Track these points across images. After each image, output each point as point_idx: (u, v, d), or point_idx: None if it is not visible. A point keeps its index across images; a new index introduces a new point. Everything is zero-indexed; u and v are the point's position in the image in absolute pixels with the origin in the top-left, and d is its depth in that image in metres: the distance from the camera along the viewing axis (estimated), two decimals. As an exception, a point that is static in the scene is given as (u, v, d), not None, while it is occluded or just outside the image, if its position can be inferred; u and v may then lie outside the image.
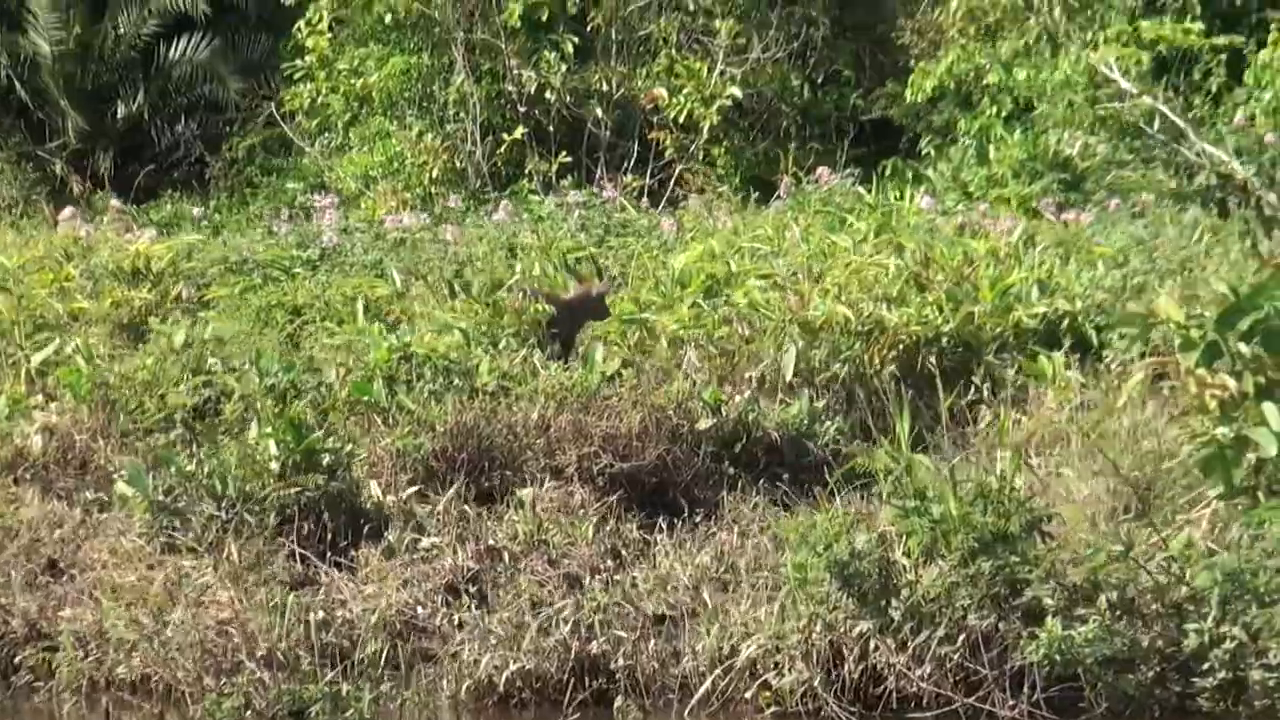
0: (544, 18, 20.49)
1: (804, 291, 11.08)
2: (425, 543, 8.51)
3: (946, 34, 21.78)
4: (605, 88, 20.35)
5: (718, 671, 8.59)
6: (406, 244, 15.33)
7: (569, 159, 20.20)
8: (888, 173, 18.98)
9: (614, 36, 20.57)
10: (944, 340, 10.94)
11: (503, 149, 20.19)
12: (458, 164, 19.98)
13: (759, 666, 8.59)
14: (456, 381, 9.46)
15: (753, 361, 10.59)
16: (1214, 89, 17.65)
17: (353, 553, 8.66)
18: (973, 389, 10.55)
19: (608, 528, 9.10)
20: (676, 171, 20.06)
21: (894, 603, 8.44)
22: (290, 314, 12.17)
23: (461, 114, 20.16)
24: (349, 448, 8.69)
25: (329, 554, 8.63)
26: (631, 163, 20.44)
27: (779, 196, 16.78)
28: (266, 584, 8.30)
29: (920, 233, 12.75)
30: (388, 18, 20.27)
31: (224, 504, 8.22)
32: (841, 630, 8.45)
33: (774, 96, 20.65)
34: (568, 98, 20.24)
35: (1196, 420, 8.29)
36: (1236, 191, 12.71)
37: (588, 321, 11.16)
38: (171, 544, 8.25)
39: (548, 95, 20.25)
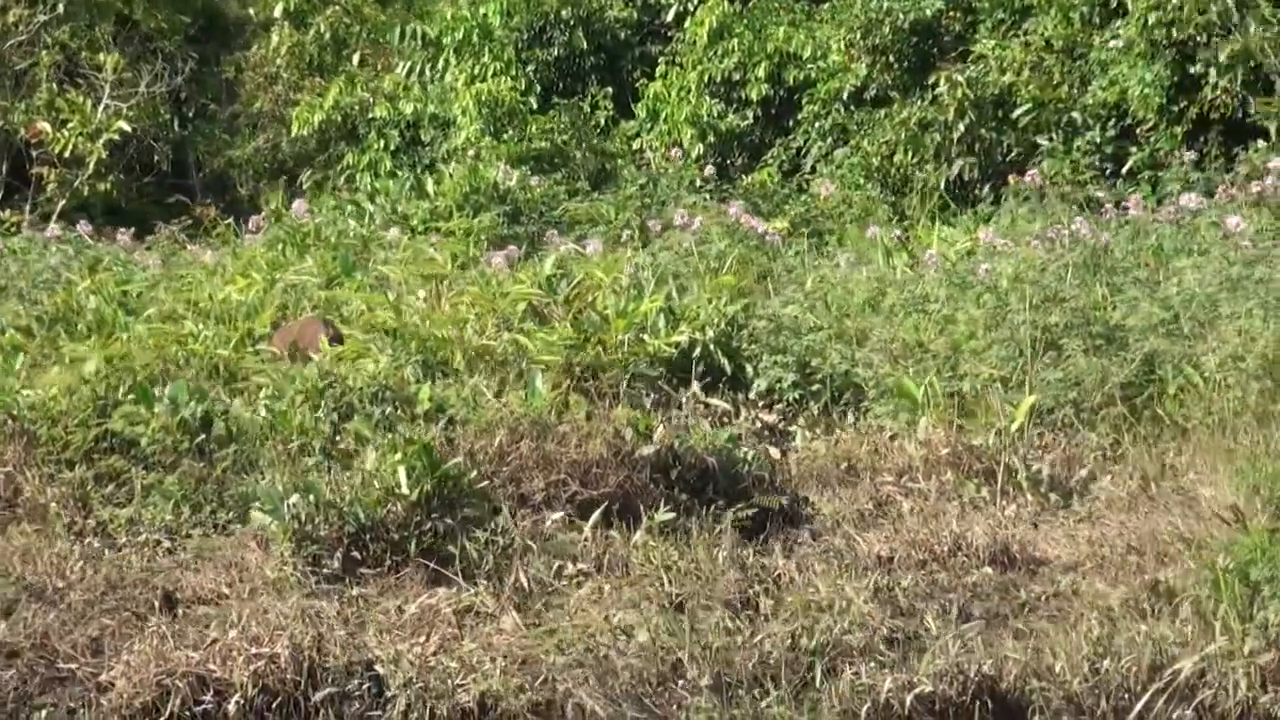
0: (-85, 50, 20.01)
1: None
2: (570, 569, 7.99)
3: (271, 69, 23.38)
4: (-17, 122, 20.04)
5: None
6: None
7: (-60, 194, 19.88)
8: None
9: (-11, 70, 20.31)
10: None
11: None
12: None
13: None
14: (396, 410, 9.39)
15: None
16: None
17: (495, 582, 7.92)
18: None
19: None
20: (59, 207, 20.16)
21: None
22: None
23: None
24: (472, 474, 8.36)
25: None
26: (16, 198, 20.33)
27: (252, 231, 17.15)
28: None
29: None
30: None
31: (360, 532, 7.99)
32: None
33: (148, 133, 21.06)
34: (-55, 132, 19.81)
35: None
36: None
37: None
38: (315, 573, 7.83)
39: (-76, 129, 19.76)
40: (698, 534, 8.12)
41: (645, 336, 11.74)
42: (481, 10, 21.01)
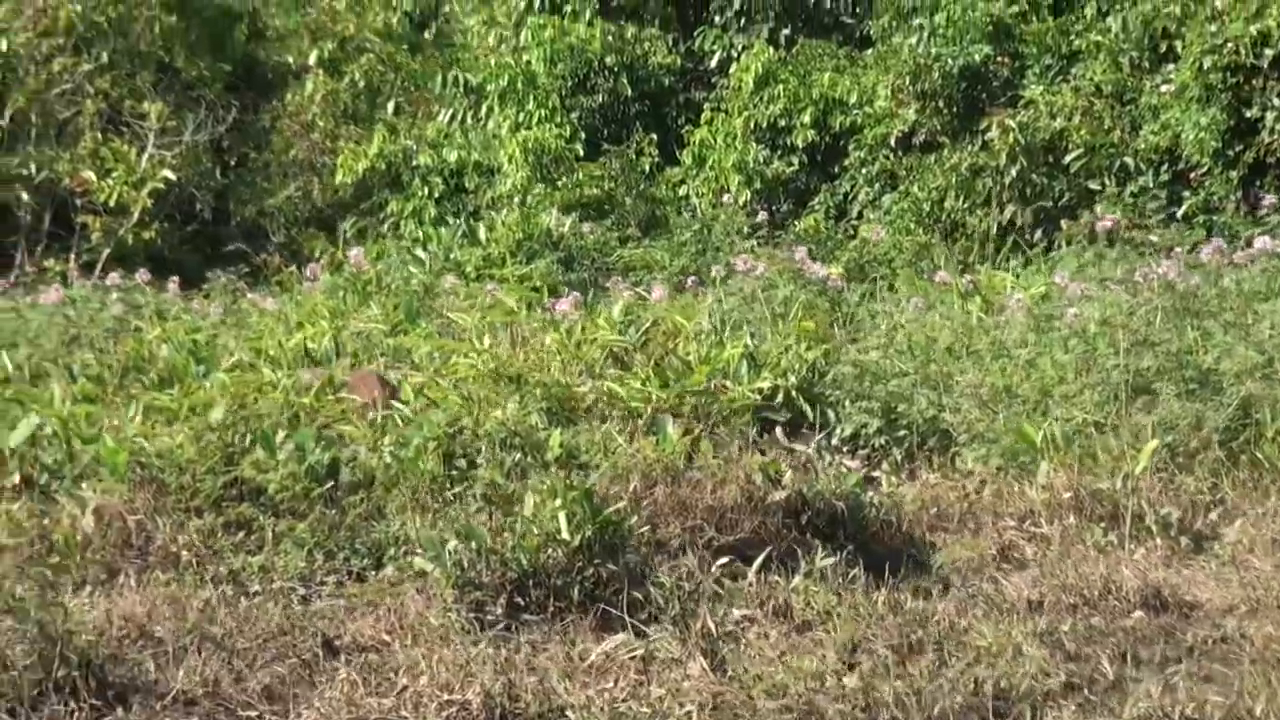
0: (-37, 102, 20.05)
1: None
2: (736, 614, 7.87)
3: (306, 117, 23.41)
4: (29, 171, 20.02)
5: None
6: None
7: (-11, 243, 19.90)
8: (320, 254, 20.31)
9: (34, 120, 20.30)
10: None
11: (-80, 235, 19.48)
12: None
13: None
14: (525, 457, 9.33)
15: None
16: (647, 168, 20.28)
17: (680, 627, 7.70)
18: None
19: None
20: (104, 255, 20.15)
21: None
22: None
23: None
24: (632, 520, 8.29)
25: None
26: (55, 246, 20.35)
27: (310, 278, 17.17)
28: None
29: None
30: None
31: (523, 578, 7.90)
32: None
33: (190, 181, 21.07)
34: (-10, 181, 19.82)
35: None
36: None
37: None
38: (479, 619, 7.67)
39: (-30, 180, 19.77)
40: (838, 578, 8.04)
41: (728, 382, 11.73)
42: (525, 58, 21.05)
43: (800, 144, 20.03)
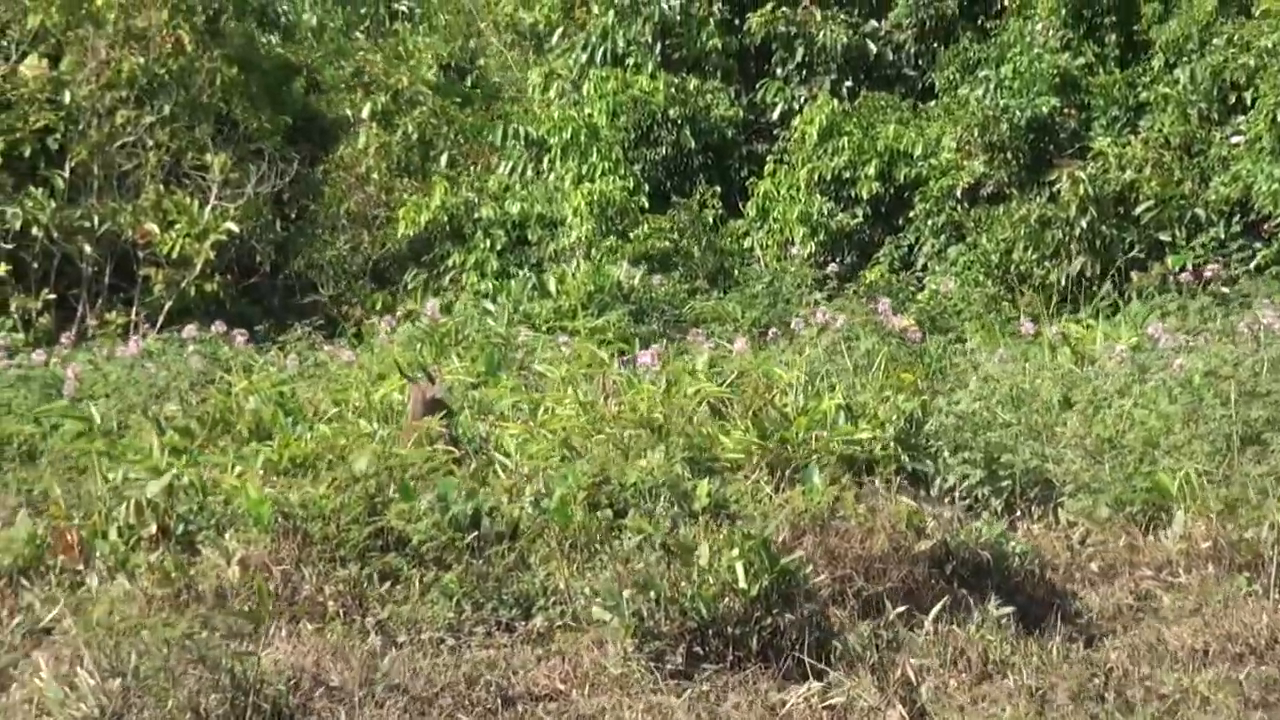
0: (25, 153, 20.04)
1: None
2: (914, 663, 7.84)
3: (360, 169, 23.40)
4: (91, 224, 20.01)
5: None
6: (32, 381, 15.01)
7: (53, 296, 19.84)
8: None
9: (96, 172, 20.32)
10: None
11: (-16, 287, 19.47)
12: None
13: None
14: (672, 507, 9.26)
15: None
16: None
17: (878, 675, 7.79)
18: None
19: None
20: (166, 307, 20.10)
21: None
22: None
23: (-62, 257, 19.22)
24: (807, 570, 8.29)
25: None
26: (116, 298, 20.33)
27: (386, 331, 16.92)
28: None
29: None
30: None
31: (701, 627, 7.88)
32: None
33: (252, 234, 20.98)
34: (55, 234, 19.77)
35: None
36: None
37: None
38: (659, 668, 7.68)
39: (34, 231, 19.72)
40: (986, 628, 7.96)
41: (825, 433, 11.68)
42: (587, 110, 21.06)
43: (864, 195, 19.99)
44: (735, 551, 8.09)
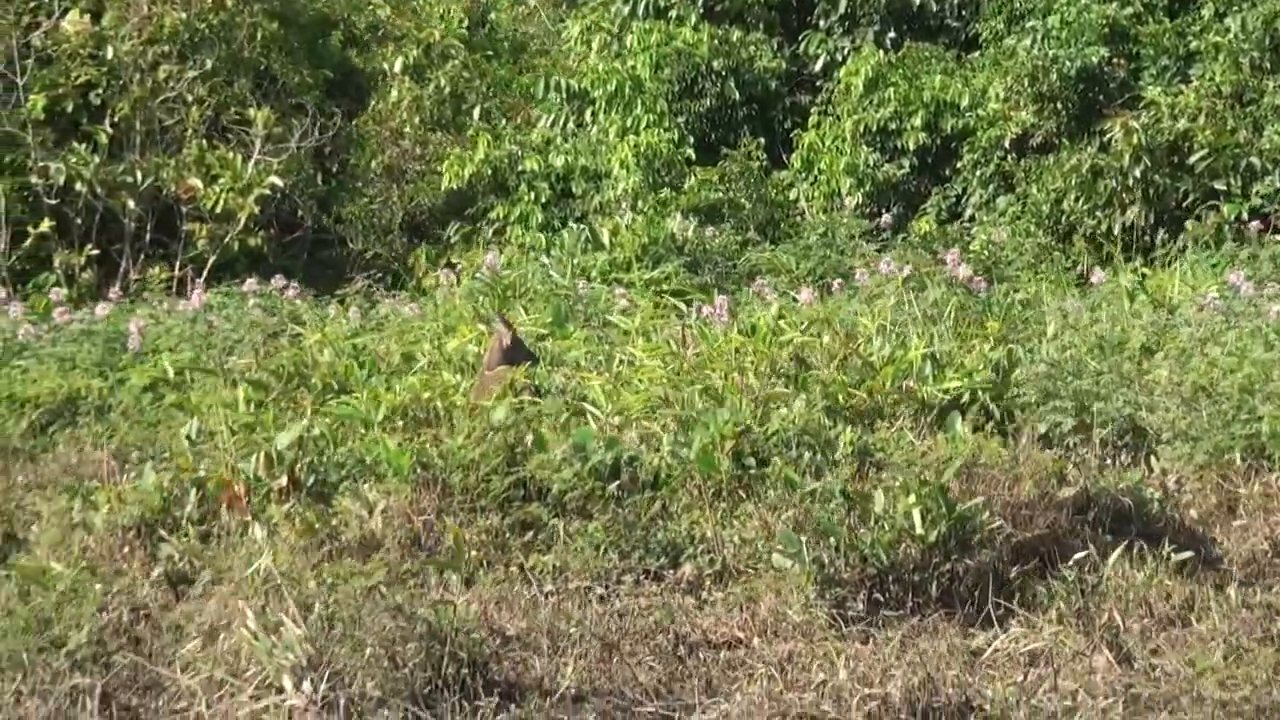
0: (68, 109, 19.91)
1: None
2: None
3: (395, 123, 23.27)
4: (134, 179, 19.88)
5: None
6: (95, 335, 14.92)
7: (96, 251, 19.73)
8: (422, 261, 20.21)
9: (138, 127, 20.18)
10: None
11: (28, 243, 19.33)
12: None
13: None
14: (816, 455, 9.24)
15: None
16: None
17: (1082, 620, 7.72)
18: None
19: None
20: (210, 262, 19.99)
21: None
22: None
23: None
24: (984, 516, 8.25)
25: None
26: (157, 253, 20.22)
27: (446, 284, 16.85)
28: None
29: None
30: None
31: (880, 574, 7.92)
32: None
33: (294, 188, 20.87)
34: (98, 189, 19.64)
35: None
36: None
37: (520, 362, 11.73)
38: (840, 615, 7.67)
39: (77, 187, 19.59)
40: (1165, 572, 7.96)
41: (913, 382, 11.65)
42: (630, 63, 20.95)
43: (911, 146, 19.94)
44: (911, 498, 8.11)
